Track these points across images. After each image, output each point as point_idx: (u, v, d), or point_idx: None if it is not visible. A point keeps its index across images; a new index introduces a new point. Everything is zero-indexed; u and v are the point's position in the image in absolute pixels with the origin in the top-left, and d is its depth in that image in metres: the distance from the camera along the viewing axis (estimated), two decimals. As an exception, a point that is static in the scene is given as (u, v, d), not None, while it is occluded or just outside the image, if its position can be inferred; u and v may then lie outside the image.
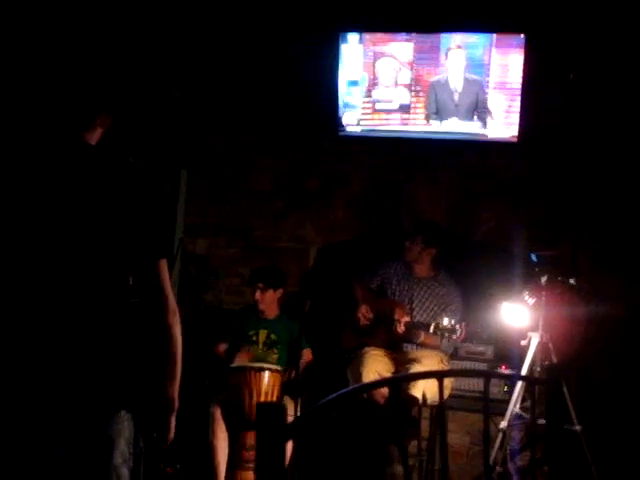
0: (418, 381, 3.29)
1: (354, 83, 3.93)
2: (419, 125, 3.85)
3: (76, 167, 1.63)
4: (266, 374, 3.29)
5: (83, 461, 1.57)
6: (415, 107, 3.87)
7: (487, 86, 3.78)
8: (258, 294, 3.61)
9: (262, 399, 3.24)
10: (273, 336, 3.62)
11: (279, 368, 3.37)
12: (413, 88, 3.88)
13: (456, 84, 3.83)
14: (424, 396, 3.29)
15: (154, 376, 1.70)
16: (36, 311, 1.56)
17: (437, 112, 3.82)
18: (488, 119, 3.77)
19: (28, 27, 3.71)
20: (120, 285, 1.64)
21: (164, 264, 1.65)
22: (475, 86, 3.81)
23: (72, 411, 1.55)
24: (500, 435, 3.26)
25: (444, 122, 3.81)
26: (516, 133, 3.73)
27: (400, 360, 3.55)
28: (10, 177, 1.62)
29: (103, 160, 1.66)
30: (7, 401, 1.53)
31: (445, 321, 3.28)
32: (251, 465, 3.21)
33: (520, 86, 3.68)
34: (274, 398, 3.28)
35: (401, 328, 3.41)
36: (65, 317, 1.57)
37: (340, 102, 3.93)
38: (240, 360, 3.44)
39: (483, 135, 3.83)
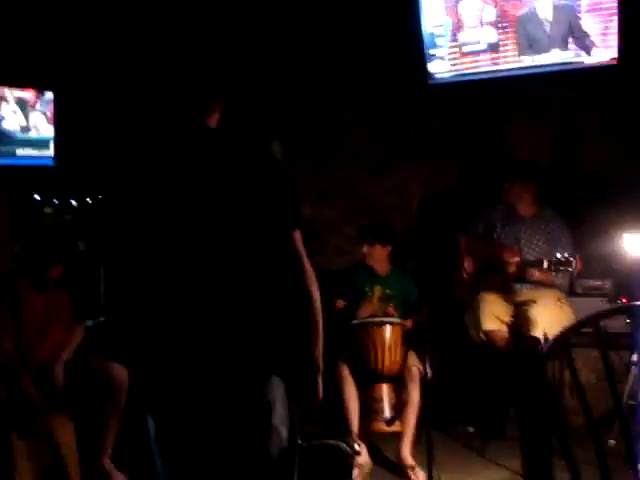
0: (537, 321, 3.30)
1: (438, 29, 3.85)
2: (511, 62, 3.74)
3: (204, 150, 1.72)
4: (388, 328, 3.36)
5: (247, 424, 1.70)
6: (504, 44, 3.76)
7: (579, 10, 3.62)
8: (367, 249, 3.67)
9: (386, 352, 3.34)
10: (388, 291, 3.68)
11: (400, 321, 3.45)
12: (500, 25, 3.76)
13: (545, 13, 3.68)
14: (545, 335, 3.29)
15: (298, 341, 1.79)
16: (187, 291, 1.68)
17: (529, 46, 3.69)
18: (585, 45, 3.61)
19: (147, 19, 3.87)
20: (258, 257, 1.72)
21: (297, 234, 1.73)
22: (567, 12, 3.65)
23: (234, 379, 1.68)
24: (633, 369, 3.22)
25: (537, 56, 3.68)
26: (615, 55, 3.55)
27: (516, 301, 3.55)
28: (144, 164, 1.74)
29: (227, 140, 1.76)
30: (178, 371, 1.67)
31: (558, 255, 3.25)
32: (382, 416, 3.33)
33: (616, 5, 3.50)
34: (397, 350, 3.37)
35: (512, 269, 3.40)
36: (213, 294, 1.67)
37: (426, 50, 3.88)
38: (362, 315, 3.54)
39: (580, 62, 3.67)
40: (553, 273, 3.42)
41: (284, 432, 1.73)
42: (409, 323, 3.55)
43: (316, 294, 1.74)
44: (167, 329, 1.70)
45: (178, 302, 1.69)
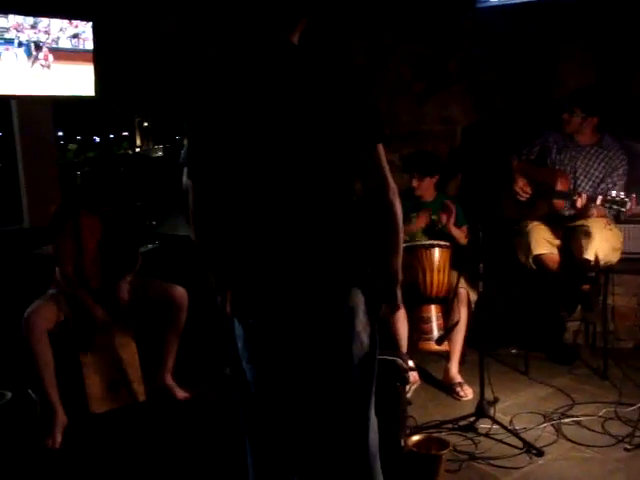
0: (590, 244, 3.34)
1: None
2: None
3: (290, 65, 1.74)
4: (437, 250, 3.42)
5: (331, 329, 1.78)
6: (557, -36, 3.65)
7: None
8: (415, 182, 3.68)
9: (434, 274, 3.41)
10: (434, 217, 3.73)
11: (448, 244, 3.51)
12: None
13: None
14: (597, 257, 3.34)
15: (380, 252, 1.85)
16: (274, 203, 1.73)
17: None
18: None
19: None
20: (344, 170, 1.77)
21: (381, 148, 1.77)
22: None
23: (319, 286, 1.76)
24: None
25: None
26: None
27: (565, 226, 3.57)
28: (227, 83, 1.74)
29: (312, 56, 1.77)
30: (267, 277, 1.75)
31: (614, 193, 3.22)
32: (429, 336, 3.43)
33: None
34: (445, 273, 3.44)
35: (582, 202, 3.36)
36: (300, 206, 1.73)
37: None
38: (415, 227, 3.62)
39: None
40: (606, 210, 3.42)
41: (365, 339, 1.81)
42: (458, 234, 3.62)
43: (398, 207, 1.79)
44: (256, 239, 1.75)
45: (266, 213, 1.74)
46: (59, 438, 2.94)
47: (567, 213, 3.59)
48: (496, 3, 3.82)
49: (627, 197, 3.17)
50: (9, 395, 3.00)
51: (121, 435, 3.01)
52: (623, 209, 3.20)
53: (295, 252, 1.74)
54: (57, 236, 3.19)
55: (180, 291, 3.27)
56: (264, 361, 1.81)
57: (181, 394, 3.34)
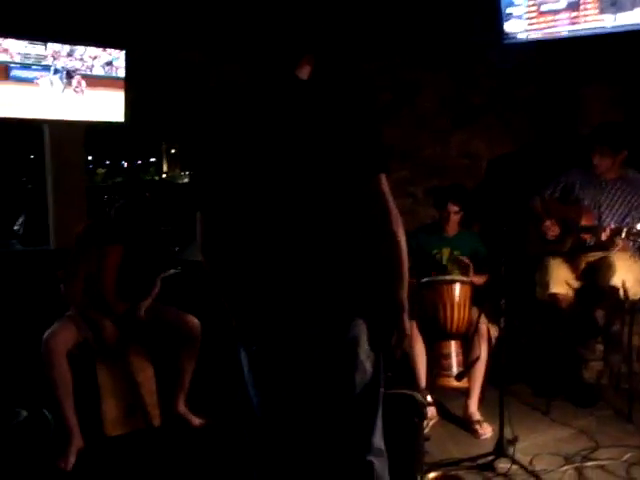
0: (614, 273, 3.32)
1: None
2: (591, 22, 3.66)
3: (294, 98, 1.80)
4: (457, 286, 3.40)
5: (334, 356, 1.80)
6: (585, 2, 3.68)
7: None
8: (452, 216, 3.66)
9: (455, 310, 3.38)
10: (456, 252, 3.71)
11: (469, 279, 3.48)
12: (582, -19, 3.67)
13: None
14: (624, 285, 3.30)
15: (384, 281, 1.83)
16: (280, 233, 1.78)
17: (613, 3, 3.60)
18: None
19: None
20: (348, 201, 1.79)
21: (384, 177, 1.79)
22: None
23: (322, 315, 1.79)
24: None
25: (621, 14, 3.58)
26: None
27: (588, 261, 3.55)
28: (234, 114, 1.81)
29: (316, 89, 1.83)
30: (272, 306, 1.79)
31: (639, 226, 3.20)
32: (449, 372, 3.38)
33: None
34: (466, 308, 3.41)
35: (607, 235, 3.34)
36: (304, 236, 1.77)
37: (503, 9, 3.82)
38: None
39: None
40: (630, 243, 3.40)
41: (369, 367, 1.82)
42: (479, 280, 3.58)
43: (402, 235, 1.80)
44: (262, 269, 1.80)
45: (270, 242, 1.79)
46: (72, 460, 2.94)
47: (588, 242, 3.55)
48: (523, 40, 3.84)
49: None
50: (24, 414, 3.01)
51: (134, 459, 3.00)
52: None
53: (299, 280, 1.78)
54: (80, 256, 3.23)
55: (195, 322, 3.28)
56: (268, 387, 1.84)
57: (196, 420, 3.32)
